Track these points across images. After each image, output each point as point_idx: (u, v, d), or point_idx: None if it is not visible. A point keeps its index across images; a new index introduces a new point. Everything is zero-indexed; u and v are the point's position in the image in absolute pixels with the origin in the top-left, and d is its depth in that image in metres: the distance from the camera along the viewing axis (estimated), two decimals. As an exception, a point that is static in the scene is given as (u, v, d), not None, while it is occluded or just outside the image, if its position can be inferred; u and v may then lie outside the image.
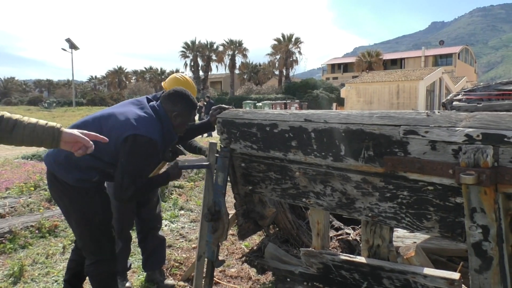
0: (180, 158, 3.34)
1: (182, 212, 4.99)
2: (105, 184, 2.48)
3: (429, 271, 1.77)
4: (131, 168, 2.10)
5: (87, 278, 2.51)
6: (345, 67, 57.65)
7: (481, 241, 1.40)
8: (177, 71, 61.05)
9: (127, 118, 2.14)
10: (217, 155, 2.36)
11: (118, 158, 2.16)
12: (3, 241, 3.78)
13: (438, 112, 1.54)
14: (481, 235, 1.39)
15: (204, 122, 2.60)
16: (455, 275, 1.70)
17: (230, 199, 3.07)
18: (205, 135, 16.72)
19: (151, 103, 2.33)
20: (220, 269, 3.19)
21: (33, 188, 5.63)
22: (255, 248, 2.80)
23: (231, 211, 2.59)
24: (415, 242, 2.46)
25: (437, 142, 1.45)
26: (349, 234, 2.87)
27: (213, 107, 2.51)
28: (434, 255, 2.47)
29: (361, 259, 1.97)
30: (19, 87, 77.06)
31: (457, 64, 48.60)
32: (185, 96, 2.34)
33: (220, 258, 2.42)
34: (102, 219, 2.31)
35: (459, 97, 8.43)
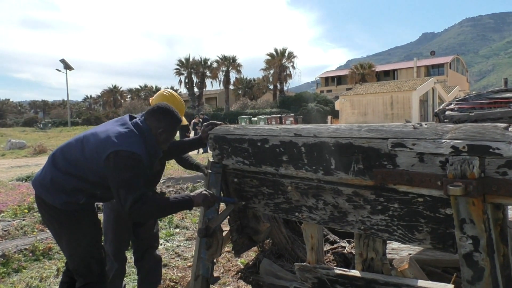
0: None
1: (177, 230, 4.95)
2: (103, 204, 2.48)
3: (423, 283, 1.76)
4: (121, 180, 2.08)
5: None
6: (339, 80, 58.11)
7: (472, 252, 1.40)
8: (171, 88, 61.28)
9: (107, 135, 2.15)
10: (209, 171, 2.36)
11: (103, 177, 2.15)
12: (-4, 265, 3.73)
13: (425, 124, 1.56)
14: (471, 246, 1.40)
15: (195, 138, 2.61)
16: (449, 287, 1.70)
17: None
18: (201, 151, 16.72)
19: (134, 120, 2.33)
20: (216, 286, 3.16)
21: (27, 211, 5.59)
22: (250, 264, 2.78)
23: (226, 228, 2.58)
24: (410, 254, 2.46)
25: (425, 154, 1.47)
26: (345, 247, 2.86)
27: (204, 123, 2.52)
28: (429, 267, 2.46)
29: (355, 273, 1.97)
30: (14, 109, 77.04)
31: (449, 74, 49.13)
32: (169, 111, 2.32)
33: (216, 275, 2.41)
34: (90, 241, 2.31)
35: (452, 106, 8.49)
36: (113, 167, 2.08)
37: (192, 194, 2.21)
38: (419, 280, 1.80)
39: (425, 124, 1.56)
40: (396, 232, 1.69)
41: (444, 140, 1.42)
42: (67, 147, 2.26)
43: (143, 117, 2.32)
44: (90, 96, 78.90)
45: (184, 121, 2.93)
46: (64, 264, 3.73)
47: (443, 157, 1.42)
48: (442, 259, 2.47)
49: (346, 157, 1.72)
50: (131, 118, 2.36)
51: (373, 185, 1.68)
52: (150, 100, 3.02)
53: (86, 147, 2.18)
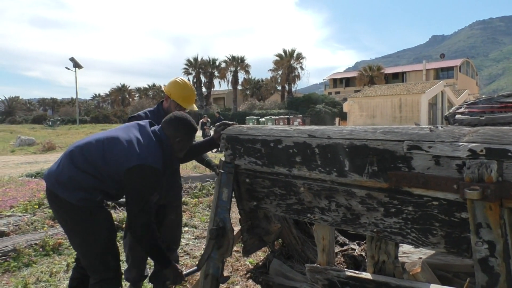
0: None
1: (186, 229, 4.96)
2: None
3: (435, 287, 1.75)
4: (137, 196, 2.15)
5: None
6: (347, 82, 57.90)
7: (487, 257, 1.39)
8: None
9: (132, 146, 2.17)
10: (221, 170, 2.36)
11: (119, 182, 2.19)
12: (7, 259, 3.77)
13: (441, 127, 1.55)
14: (487, 251, 1.39)
15: (208, 139, 2.62)
16: (462, 291, 1.69)
17: (234, 215, 3.06)
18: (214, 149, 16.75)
19: (153, 128, 2.36)
20: (224, 286, 3.16)
21: (37, 206, 5.64)
22: (260, 264, 2.78)
23: (236, 227, 2.59)
24: (420, 258, 2.44)
25: (441, 157, 1.46)
26: (355, 249, 2.85)
27: (216, 123, 2.54)
28: (440, 271, 2.45)
29: (366, 275, 1.96)
30: (24, 106, 77.76)
31: (459, 77, 48.74)
32: (186, 121, 2.39)
33: (225, 274, 2.41)
34: (107, 236, 2.31)
35: (462, 110, 8.42)
36: (133, 180, 2.13)
37: (172, 262, 2.34)
38: (432, 284, 1.79)
39: (441, 127, 1.55)
40: (409, 235, 1.69)
41: (461, 143, 1.41)
42: (87, 146, 2.25)
43: (160, 126, 2.37)
44: (99, 94, 79.55)
45: (195, 108, 3.06)
46: (73, 260, 3.78)
47: (460, 160, 1.41)
48: (453, 263, 2.45)
49: (360, 159, 1.71)
50: (151, 124, 2.40)
51: (387, 188, 1.68)
52: (163, 87, 3.07)
53: (108, 152, 2.19)
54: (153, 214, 2.24)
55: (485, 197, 1.31)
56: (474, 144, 1.37)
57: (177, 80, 3.05)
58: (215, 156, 8.86)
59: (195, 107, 3.07)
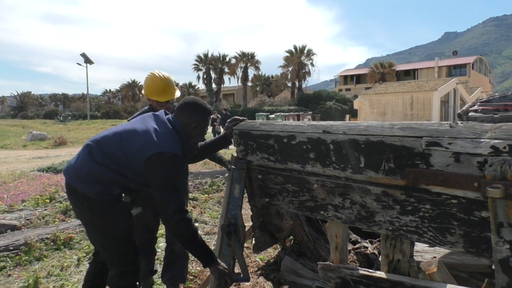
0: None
1: (196, 224, 4.96)
2: None
3: (452, 287, 1.71)
4: (165, 184, 2.08)
5: None
6: (358, 79, 57.49)
7: (508, 257, 1.35)
8: (190, 84, 61.64)
9: (149, 135, 2.13)
10: (233, 166, 2.34)
11: (140, 174, 2.15)
12: (19, 253, 3.81)
13: (462, 123, 1.50)
14: (508, 251, 1.34)
15: (221, 136, 2.58)
16: (481, 292, 1.65)
17: (246, 211, 3.04)
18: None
19: (167, 116, 2.32)
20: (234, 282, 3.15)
21: (48, 201, 5.69)
22: (271, 261, 2.76)
23: (248, 224, 2.56)
24: (435, 257, 2.40)
25: (461, 154, 1.42)
26: (367, 247, 2.81)
27: (228, 119, 2.50)
28: (455, 271, 2.40)
29: (380, 274, 1.92)
30: (35, 101, 78.52)
31: (472, 75, 48.07)
32: (198, 104, 2.32)
33: (236, 271, 2.39)
34: (126, 230, 2.30)
35: (475, 107, 8.29)
36: (156, 169, 2.07)
37: (218, 260, 2.16)
38: (448, 284, 1.75)
39: (462, 123, 1.50)
40: (426, 234, 1.65)
41: (483, 140, 1.36)
42: (104, 140, 2.22)
43: (173, 114, 2.32)
44: (109, 90, 80.00)
45: (178, 94, 2.93)
46: (84, 255, 3.81)
47: (482, 158, 1.36)
48: (469, 263, 2.40)
49: (376, 156, 1.68)
50: (166, 114, 2.35)
51: (404, 185, 1.64)
52: (142, 91, 2.99)
53: (126, 144, 2.16)
54: (184, 202, 2.16)
55: (507, 196, 1.27)
56: (497, 141, 1.33)
57: (147, 76, 2.91)
58: (225, 152, 8.85)
59: (177, 94, 2.94)
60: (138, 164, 2.12)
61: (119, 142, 2.18)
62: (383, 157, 1.65)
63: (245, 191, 2.35)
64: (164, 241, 3.32)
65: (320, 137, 1.86)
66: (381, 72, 46.62)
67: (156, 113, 2.36)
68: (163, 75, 2.90)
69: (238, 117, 2.45)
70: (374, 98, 32.48)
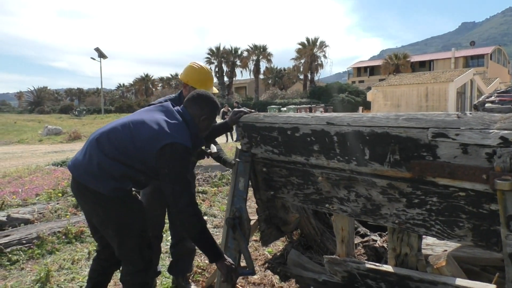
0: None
1: (205, 217, 4.97)
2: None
3: (462, 282, 1.67)
4: (176, 175, 2.03)
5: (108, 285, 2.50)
6: (372, 70, 56.76)
7: (519, 251, 1.30)
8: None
9: (160, 126, 2.08)
10: (237, 159, 2.31)
11: (150, 166, 2.11)
12: (31, 246, 3.86)
13: (470, 113, 1.45)
14: (519, 245, 1.29)
15: (222, 122, 2.55)
16: (491, 287, 1.60)
17: (253, 204, 3.02)
18: (230, 140, 16.83)
19: (176, 107, 2.29)
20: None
21: (60, 194, 5.76)
22: (278, 254, 2.74)
23: (254, 217, 2.54)
24: (445, 250, 2.34)
25: (469, 145, 1.37)
26: (376, 241, 2.76)
27: (234, 109, 2.47)
28: (466, 264, 2.34)
29: (387, 268, 1.88)
30: (51, 96, 79.66)
31: (489, 65, 47.00)
32: (210, 98, 2.29)
33: (243, 265, 2.37)
34: (141, 226, 2.25)
35: (492, 98, 8.07)
36: (167, 160, 2.03)
37: (225, 256, 2.13)
38: (457, 279, 1.70)
39: (470, 113, 1.45)
40: (433, 228, 1.60)
41: (492, 131, 1.31)
42: (113, 133, 2.16)
43: (183, 105, 2.28)
44: (123, 84, 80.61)
45: (215, 90, 2.98)
46: (95, 248, 3.84)
47: (490, 149, 1.31)
48: (481, 257, 2.34)
49: (381, 147, 1.63)
50: (172, 105, 2.31)
51: (410, 178, 1.59)
52: (180, 77, 3.02)
53: (136, 135, 2.11)
54: (195, 195, 2.11)
55: (517, 188, 1.22)
56: (506, 131, 1.27)
57: (192, 65, 3.01)
58: (235, 145, 8.83)
59: (214, 90, 3.03)
60: (149, 155, 2.07)
61: (129, 135, 2.12)
62: (388, 149, 1.60)
63: (250, 184, 2.32)
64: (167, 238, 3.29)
65: (324, 129, 1.82)
66: (395, 64, 45.92)
67: (163, 104, 2.32)
68: (208, 69, 3.03)
69: (243, 109, 2.41)
70: (388, 90, 32.04)
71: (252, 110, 2.43)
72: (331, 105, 36.10)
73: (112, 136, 2.16)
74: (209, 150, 2.84)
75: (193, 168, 3.11)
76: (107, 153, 2.12)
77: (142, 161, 2.12)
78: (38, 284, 3.16)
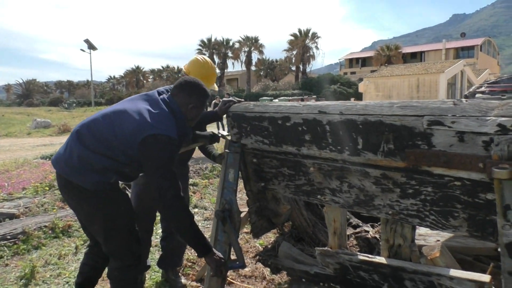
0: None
1: (196, 210, 4.91)
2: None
3: (456, 272, 1.64)
4: (161, 168, 1.95)
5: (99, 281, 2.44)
6: (364, 62, 56.77)
7: (516, 241, 1.26)
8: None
9: (142, 116, 1.98)
10: (227, 150, 2.25)
11: (134, 158, 2.02)
12: (17, 242, 3.75)
13: (466, 100, 1.40)
14: (516, 235, 1.26)
15: (212, 111, 2.48)
16: (485, 277, 1.57)
17: (243, 196, 2.96)
18: (225, 133, 16.72)
19: (162, 96, 2.19)
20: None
21: (47, 188, 5.64)
22: (269, 246, 2.70)
23: (244, 209, 2.49)
24: (438, 241, 2.32)
25: (465, 133, 1.32)
26: (368, 231, 2.73)
27: (223, 99, 2.41)
28: (460, 254, 2.32)
29: (380, 259, 1.85)
30: (41, 89, 78.56)
31: (479, 57, 47.27)
32: (198, 85, 2.17)
33: (233, 257, 2.33)
34: (128, 220, 2.18)
35: (482, 89, 8.09)
36: (150, 152, 1.94)
37: (214, 250, 2.07)
38: (451, 269, 1.67)
39: (466, 100, 1.40)
40: (428, 218, 1.56)
41: (489, 118, 1.26)
42: (94, 124, 2.07)
43: (169, 93, 2.17)
44: (114, 76, 79.75)
45: (215, 87, 2.91)
46: (82, 242, 3.76)
47: (487, 137, 1.27)
48: (474, 246, 2.32)
49: (375, 136, 1.58)
50: (159, 94, 2.20)
51: (405, 167, 1.55)
52: (184, 68, 2.94)
53: (118, 126, 2.01)
54: (181, 187, 2.03)
55: (515, 177, 1.17)
56: (504, 119, 1.23)
57: (197, 58, 2.94)
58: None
59: (215, 87, 2.96)
60: (131, 147, 1.98)
61: (110, 125, 2.03)
62: (382, 138, 1.56)
63: (240, 176, 2.27)
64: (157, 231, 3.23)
65: (315, 118, 1.77)
66: (387, 55, 45.97)
67: (148, 93, 2.23)
68: (213, 64, 2.97)
69: (232, 98, 2.35)
70: (379, 81, 32.11)
71: (242, 100, 2.36)
72: (323, 96, 36.11)
73: (93, 128, 2.07)
74: (220, 134, 2.75)
75: (188, 160, 3.04)
76: (87, 145, 2.03)
77: (125, 153, 2.02)
78: (22, 281, 3.08)
